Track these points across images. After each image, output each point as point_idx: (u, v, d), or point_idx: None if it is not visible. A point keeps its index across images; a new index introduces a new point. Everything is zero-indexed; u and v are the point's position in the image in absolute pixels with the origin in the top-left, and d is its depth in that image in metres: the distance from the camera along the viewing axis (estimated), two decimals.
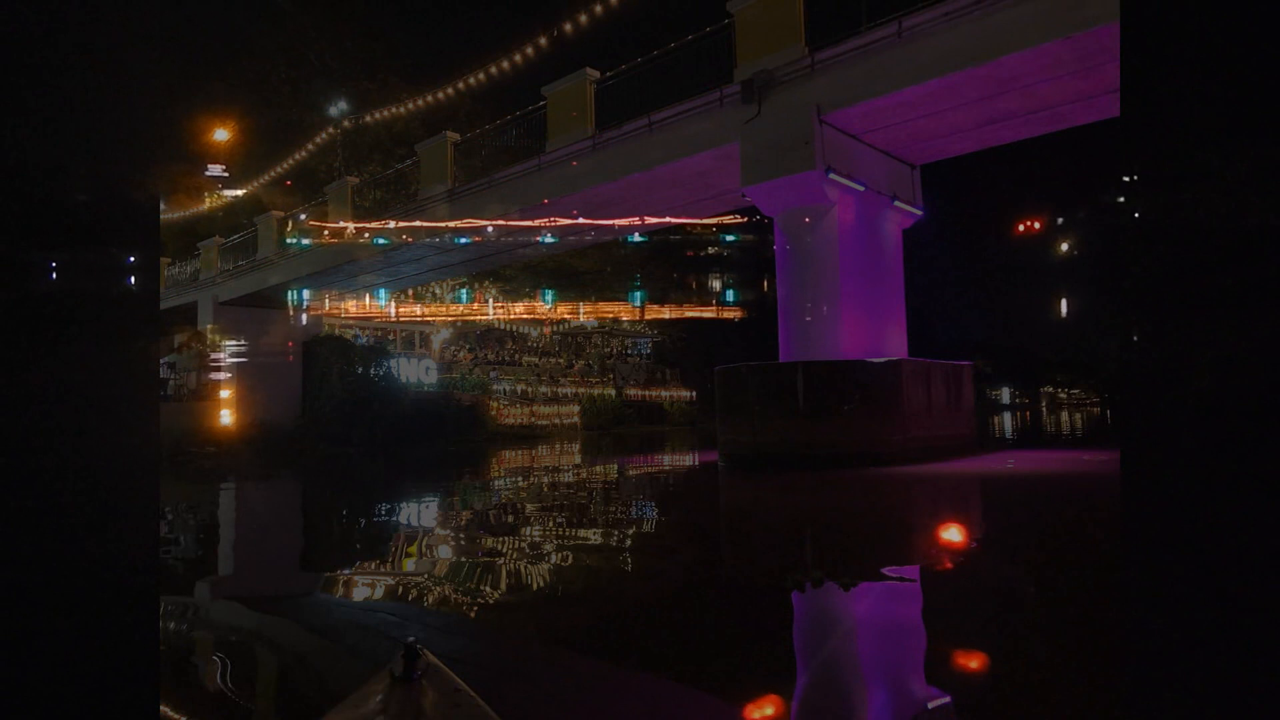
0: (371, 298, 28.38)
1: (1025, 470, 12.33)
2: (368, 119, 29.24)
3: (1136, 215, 1.38)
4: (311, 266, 23.49)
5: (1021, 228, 43.87)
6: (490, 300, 36.28)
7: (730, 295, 41.24)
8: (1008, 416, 45.41)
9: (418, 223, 19.73)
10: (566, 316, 38.02)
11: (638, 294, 34.63)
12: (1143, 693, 1.39)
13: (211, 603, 4.97)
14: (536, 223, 18.12)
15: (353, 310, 29.01)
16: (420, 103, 25.97)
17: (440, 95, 24.44)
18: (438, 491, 12.11)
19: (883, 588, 4.66)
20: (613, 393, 41.85)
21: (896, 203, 14.34)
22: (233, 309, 26.63)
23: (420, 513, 9.54)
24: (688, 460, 17.93)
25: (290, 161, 30.25)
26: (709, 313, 39.54)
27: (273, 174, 30.69)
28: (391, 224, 20.21)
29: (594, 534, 6.88)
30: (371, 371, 29.00)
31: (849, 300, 13.08)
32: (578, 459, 19.32)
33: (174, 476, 15.51)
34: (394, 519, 8.94)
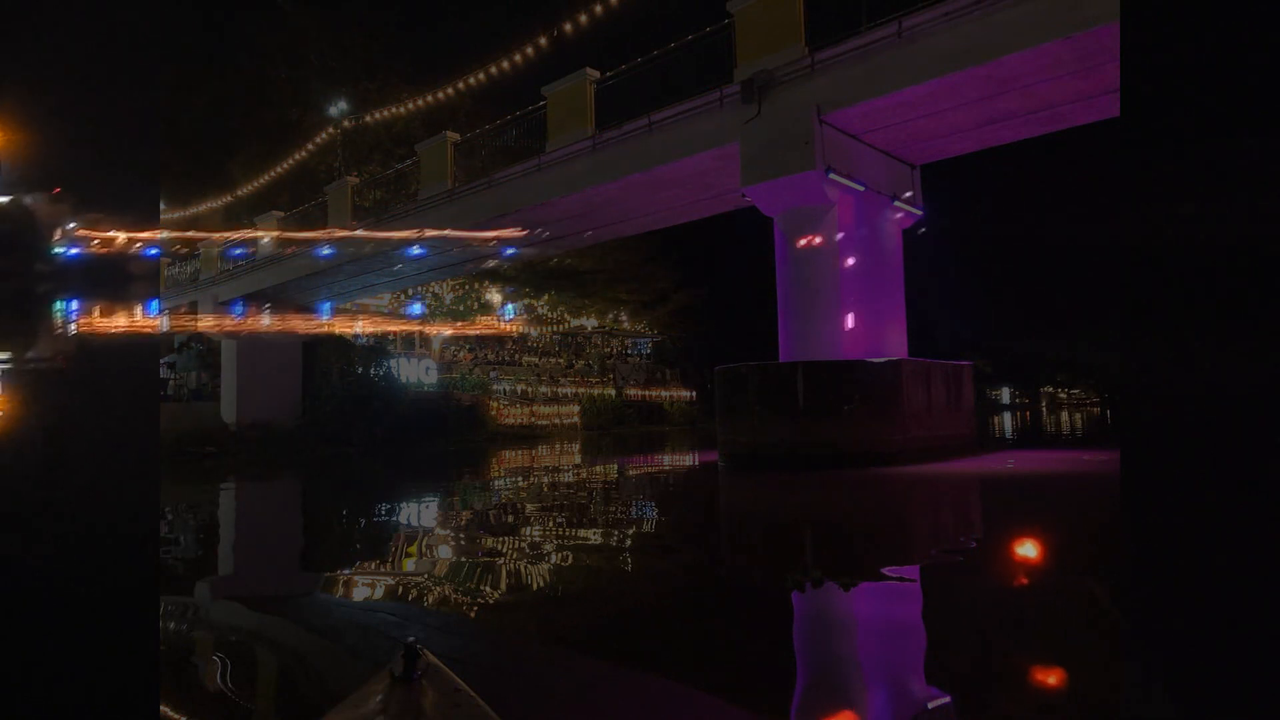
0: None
1: (1025, 470, 12.33)
2: (368, 119, 29.23)
3: (1136, 228, 1.38)
4: (312, 267, 23.47)
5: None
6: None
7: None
8: (1008, 416, 45.40)
9: (360, 232, 19.79)
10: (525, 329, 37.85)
11: (509, 306, 34.24)
12: (1141, 688, 1.39)
13: (211, 603, 4.97)
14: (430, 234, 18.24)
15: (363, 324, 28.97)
16: (420, 103, 25.96)
17: (440, 95, 24.44)
18: (438, 491, 12.11)
19: (883, 588, 4.66)
20: (613, 393, 41.86)
21: (896, 203, 14.33)
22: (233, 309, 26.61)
23: (420, 513, 9.54)
24: (688, 460, 17.93)
25: (290, 161, 30.24)
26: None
27: (273, 174, 30.68)
28: (325, 233, 20.27)
29: (594, 534, 6.88)
30: (371, 371, 29.00)
31: (849, 300, 13.07)
32: (578, 459, 19.32)
33: (174, 476, 15.51)
34: (394, 519, 8.94)
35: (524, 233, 18.68)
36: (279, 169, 30.51)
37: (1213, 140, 1.29)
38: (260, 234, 19.98)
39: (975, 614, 4.06)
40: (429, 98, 25.21)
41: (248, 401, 26.49)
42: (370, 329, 27.69)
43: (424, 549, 6.56)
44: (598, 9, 18.11)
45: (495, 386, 36.42)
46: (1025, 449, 17.44)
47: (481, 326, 33.48)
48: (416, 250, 19.71)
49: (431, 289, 38.91)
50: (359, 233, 19.20)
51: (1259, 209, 1.26)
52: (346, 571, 5.85)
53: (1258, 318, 1.27)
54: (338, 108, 29.75)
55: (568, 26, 18.69)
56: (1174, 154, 1.33)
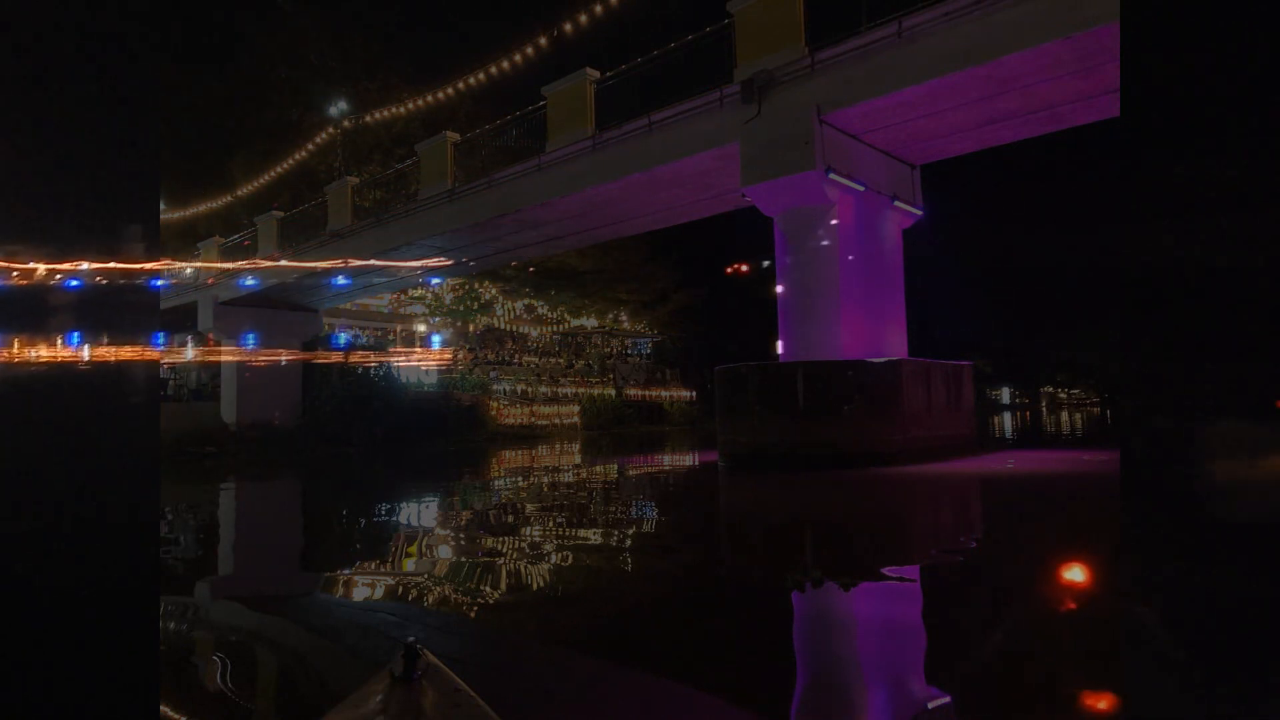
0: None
1: (1025, 470, 12.33)
2: (368, 119, 29.21)
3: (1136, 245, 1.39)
4: (312, 267, 23.46)
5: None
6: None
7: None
8: (1007, 416, 45.40)
9: (283, 263, 19.90)
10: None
11: (435, 336, 34.03)
12: (1141, 687, 1.39)
13: (212, 603, 4.97)
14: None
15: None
16: (420, 103, 25.95)
17: (440, 95, 24.43)
18: (438, 491, 12.11)
19: (883, 588, 4.66)
20: (613, 393, 41.84)
21: (896, 203, 14.33)
22: (233, 309, 26.60)
23: (420, 513, 9.54)
24: (688, 460, 17.93)
25: (290, 161, 30.23)
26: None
27: (273, 174, 30.68)
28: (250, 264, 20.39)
29: (594, 534, 6.88)
30: (371, 371, 28.99)
31: (849, 300, 13.07)
32: (578, 459, 19.32)
33: (174, 476, 15.51)
34: (394, 519, 8.94)
35: (449, 262, 18.99)
36: (279, 169, 30.50)
37: (1212, 140, 1.29)
38: (182, 265, 20.19)
39: (975, 614, 4.06)
40: (429, 98, 25.21)
41: (248, 401, 26.48)
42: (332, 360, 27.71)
43: (424, 549, 6.56)
44: (598, 9, 18.11)
45: (495, 386, 36.41)
46: (1025, 449, 17.44)
47: (421, 355, 33.33)
48: (342, 280, 20.12)
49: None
50: (282, 263, 19.32)
51: (1258, 208, 1.26)
52: (346, 571, 5.85)
53: (1258, 317, 1.27)
54: (338, 108, 29.75)
55: (568, 26, 18.69)
56: (1173, 154, 1.33)
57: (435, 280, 20.39)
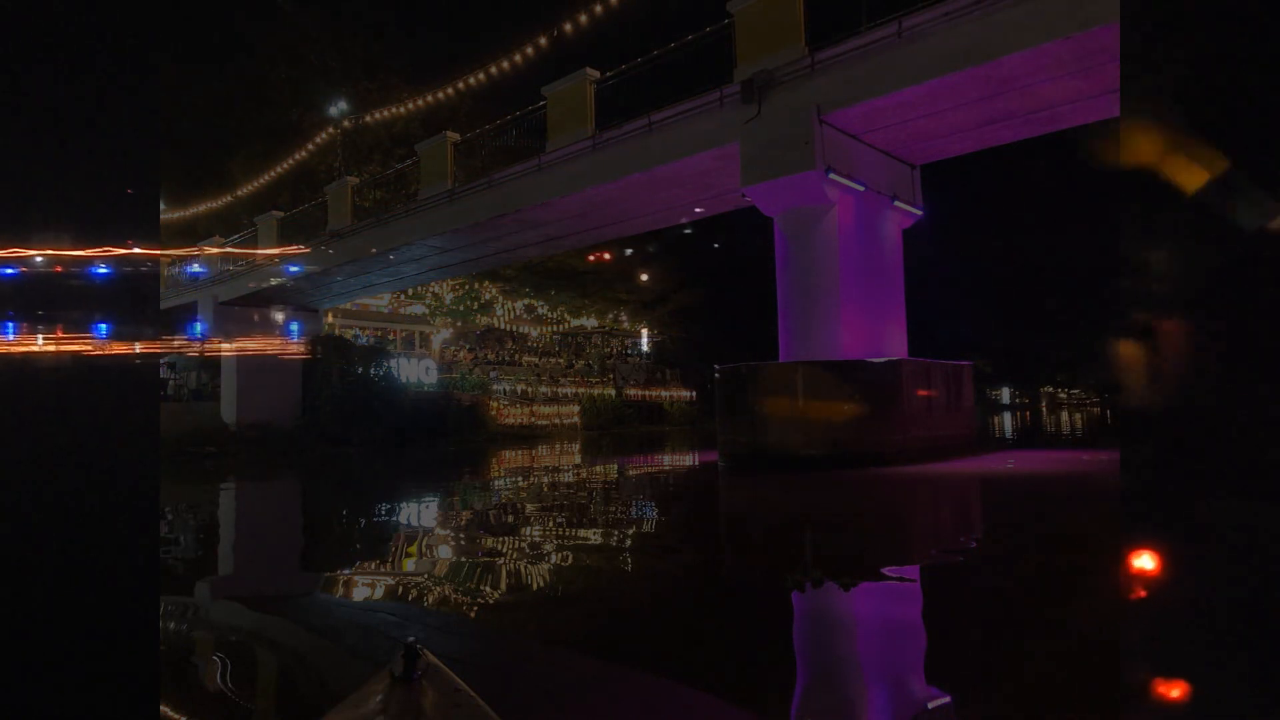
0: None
1: (1025, 470, 12.33)
2: (368, 119, 29.23)
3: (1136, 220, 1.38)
4: (312, 267, 23.47)
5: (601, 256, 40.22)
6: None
7: None
8: (1007, 416, 45.40)
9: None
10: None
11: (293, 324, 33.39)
12: (1140, 687, 1.39)
13: (212, 603, 4.97)
14: None
15: None
16: (420, 103, 25.97)
17: (440, 95, 24.44)
18: (438, 491, 12.11)
19: (883, 588, 4.66)
20: (613, 393, 41.86)
21: (896, 203, 14.33)
22: (233, 309, 26.62)
23: (420, 513, 9.54)
24: (688, 460, 17.93)
25: (290, 161, 30.24)
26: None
27: (273, 174, 30.69)
28: None
29: (594, 534, 6.88)
30: (371, 371, 29.00)
31: (849, 300, 13.07)
32: (578, 459, 19.32)
33: (174, 476, 15.51)
34: (394, 519, 8.94)
35: (307, 250, 19.05)
36: (279, 169, 30.52)
37: (1211, 140, 1.29)
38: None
39: (975, 614, 4.06)
40: (429, 98, 25.22)
41: (248, 401, 26.48)
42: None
43: (424, 549, 6.56)
44: (598, 9, 18.11)
45: (495, 386, 36.43)
46: (1025, 449, 17.44)
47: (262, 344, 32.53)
48: (196, 268, 20.31)
49: (432, 289, 38.93)
50: (136, 250, 19.35)
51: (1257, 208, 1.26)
52: (346, 571, 5.85)
53: (1258, 318, 1.27)
54: (338, 108, 29.76)
55: (568, 26, 18.69)
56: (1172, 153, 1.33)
57: (293, 269, 20.48)
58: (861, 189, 13.16)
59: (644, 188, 15.92)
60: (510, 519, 8.25)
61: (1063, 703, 2.81)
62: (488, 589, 4.84)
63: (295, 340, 27.56)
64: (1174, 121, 1.33)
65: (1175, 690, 1.34)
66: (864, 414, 12.16)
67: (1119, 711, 2.54)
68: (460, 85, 22.91)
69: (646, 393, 43.89)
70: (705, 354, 41.08)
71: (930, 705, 2.83)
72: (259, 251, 19.38)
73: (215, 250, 19.33)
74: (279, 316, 27.64)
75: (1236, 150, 1.28)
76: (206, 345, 26.56)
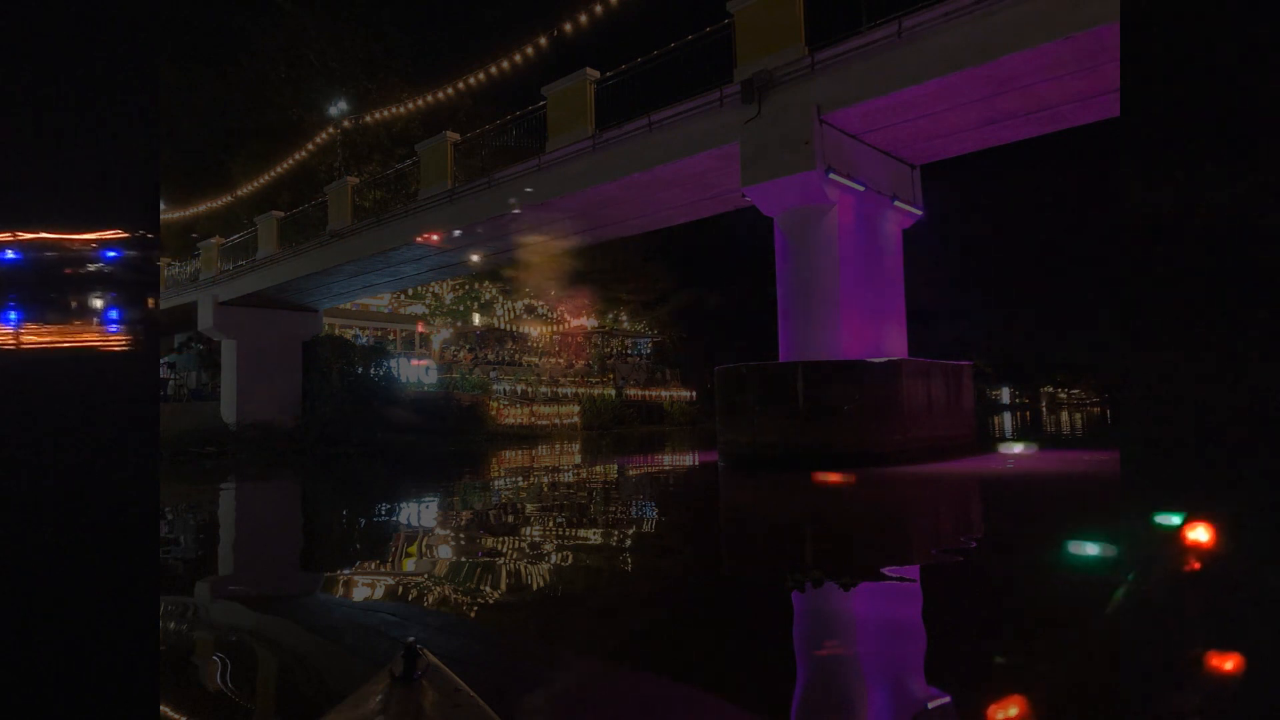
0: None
1: (1024, 470, 12.33)
2: (368, 119, 29.22)
3: (1143, 217, 1.38)
4: (312, 266, 23.47)
5: None
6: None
7: None
8: (1007, 416, 45.39)
9: None
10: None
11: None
12: (1140, 687, 1.39)
13: (211, 603, 4.97)
14: None
15: None
16: (420, 103, 25.96)
17: (440, 95, 24.43)
18: (438, 492, 12.11)
19: (883, 588, 4.66)
20: (613, 393, 41.86)
21: (896, 203, 14.33)
22: (233, 309, 26.60)
23: (420, 513, 9.54)
24: (688, 460, 17.93)
25: (290, 161, 30.23)
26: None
27: (273, 174, 30.68)
28: None
29: (594, 534, 6.88)
30: (371, 371, 29.00)
31: (849, 300, 13.07)
32: (578, 459, 19.32)
33: (174, 476, 15.51)
34: (394, 519, 8.94)
35: (127, 235, 19.03)
36: (279, 169, 30.51)
37: (1210, 140, 1.29)
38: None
39: (975, 614, 4.06)
40: (429, 98, 25.21)
41: (248, 401, 26.47)
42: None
43: (424, 549, 6.55)
44: (598, 9, 18.10)
45: (495, 386, 36.44)
46: (1024, 449, 17.43)
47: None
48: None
49: (432, 289, 38.95)
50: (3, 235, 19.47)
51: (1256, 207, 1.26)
52: (346, 571, 5.85)
53: (1258, 318, 1.27)
54: (338, 108, 29.76)
55: (568, 26, 18.68)
56: (1172, 153, 1.33)
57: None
58: (862, 189, 13.16)
59: (644, 188, 15.92)
60: (510, 519, 8.25)
61: (1063, 703, 2.81)
62: (488, 589, 4.84)
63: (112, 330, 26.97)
64: (1174, 121, 1.33)
65: (1177, 690, 1.34)
66: (864, 414, 12.16)
67: (1120, 712, 2.54)
68: (460, 85, 22.91)
69: (646, 393, 43.90)
70: (705, 354, 41.10)
71: (930, 705, 2.83)
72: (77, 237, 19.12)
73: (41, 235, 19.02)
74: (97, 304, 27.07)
75: (1236, 150, 1.28)
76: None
